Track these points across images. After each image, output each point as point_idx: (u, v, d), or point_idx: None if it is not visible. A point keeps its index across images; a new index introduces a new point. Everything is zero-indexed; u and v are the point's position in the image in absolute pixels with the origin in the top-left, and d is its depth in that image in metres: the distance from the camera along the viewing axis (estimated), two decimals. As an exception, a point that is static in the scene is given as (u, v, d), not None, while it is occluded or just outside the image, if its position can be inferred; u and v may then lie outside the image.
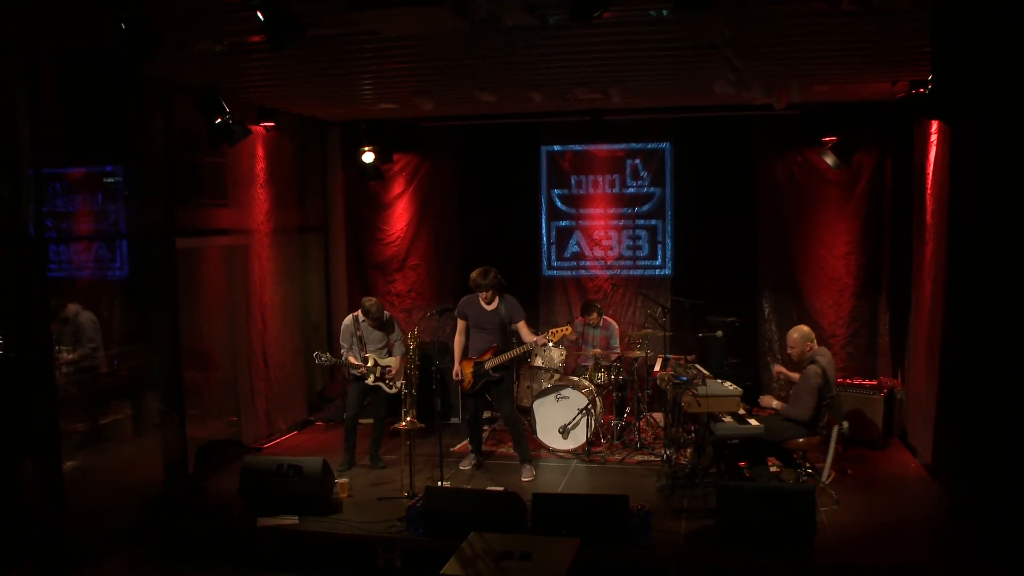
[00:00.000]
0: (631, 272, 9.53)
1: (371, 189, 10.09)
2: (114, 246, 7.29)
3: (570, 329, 7.31)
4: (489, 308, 7.33)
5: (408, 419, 6.83)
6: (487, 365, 7.25)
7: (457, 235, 10.02)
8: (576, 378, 8.16)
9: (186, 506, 6.66)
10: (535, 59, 6.47)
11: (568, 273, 9.72)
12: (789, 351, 6.51)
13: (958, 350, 6.66)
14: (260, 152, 8.56)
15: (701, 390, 6.14)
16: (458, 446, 8.41)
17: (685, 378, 6.45)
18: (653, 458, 7.70)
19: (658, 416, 8.58)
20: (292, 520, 6.28)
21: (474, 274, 7.26)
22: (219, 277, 8.43)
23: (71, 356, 6.69)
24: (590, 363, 8.48)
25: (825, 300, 9.01)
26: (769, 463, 6.62)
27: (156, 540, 6.33)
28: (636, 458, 7.76)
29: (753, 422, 6.34)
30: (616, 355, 8.44)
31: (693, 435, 7.54)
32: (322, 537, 6.10)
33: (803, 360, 6.38)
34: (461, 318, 7.48)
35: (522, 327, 7.37)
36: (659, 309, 7.89)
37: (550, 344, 7.60)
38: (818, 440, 6.39)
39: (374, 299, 7.66)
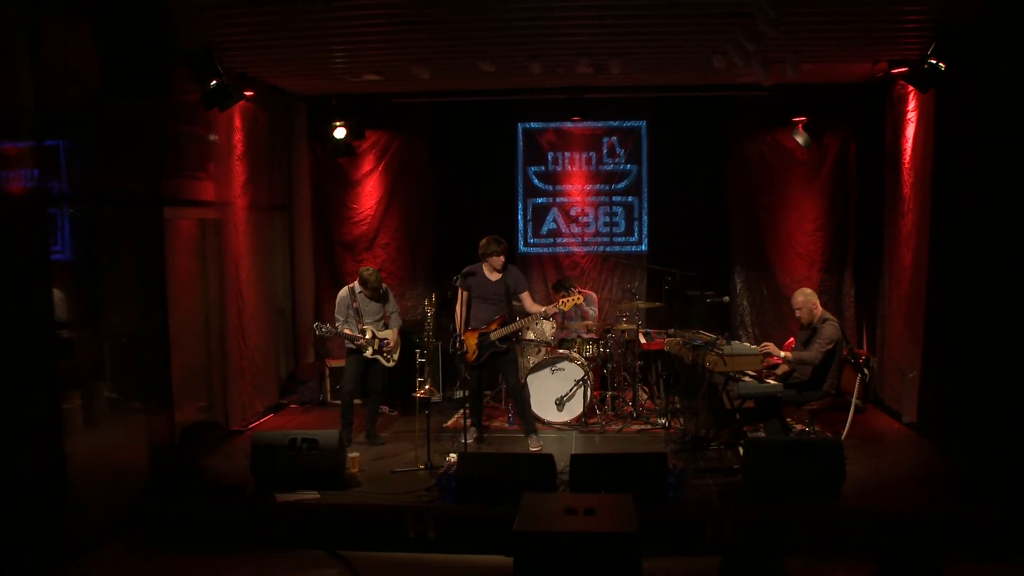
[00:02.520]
0: (608, 248, 9.64)
1: (339, 166, 9.83)
2: (55, 226, 6.86)
3: (582, 298, 7.35)
4: (493, 279, 7.27)
5: (426, 388, 6.70)
6: (493, 336, 7.19)
7: (430, 213, 9.88)
8: (567, 351, 8.19)
9: (191, 487, 6.34)
10: (546, 24, 6.49)
11: (545, 250, 9.75)
12: (797, 314, 6.74)
13: (942, 315, 7.07)
14: (238, 123, 8.20)
15: (727, 349, 6.29)
16: (449, 422, 8.32)
17: (700, 342, 6.59)
18: (650, 427, 7.82)
19: (644, 390, 8.72)
20: (313, 495, 6.05)
21: (484, 241, 7.18)
22: (191, 252, 8.03)
23: None
24: (573, 336, 8.54)
25: (794, 275, 9.37)
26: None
27: (158, 524, 5.97)
28: (633, 427, 7.86)
29: (771, 381, 6.55)
30: (591, 322, 8.54)
31: (678, 405, 7.76)
32: (349, 510, 5.91)
33: (813, 320, 6.62)
34: (463, 289, 7.37)
35: (526, 298, 7.35)
36: (668, 279, 7.93)
37: (562, 312, 7.60)
38: (829, 402, 6.67)
39: (372, 268, 7.49)
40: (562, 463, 6.03)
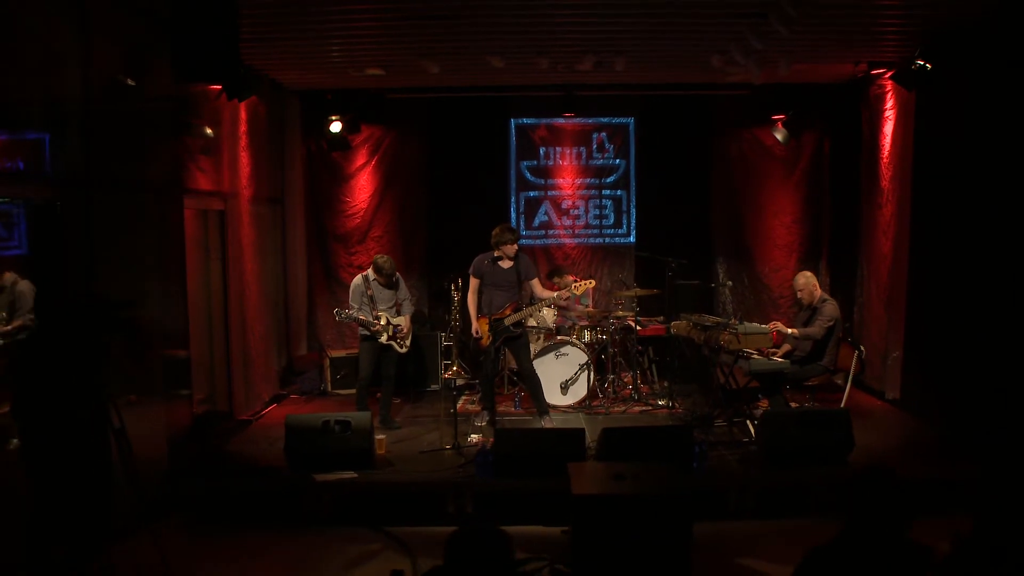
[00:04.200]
0: (598, 240, 10.02)
1: (333, 160, 9.96)
2: (11, 222, 6.91)
3: (594, 283, 7.66)
4: (505, 266, 7.51)
5: (453, 369, 6.92)
6: (507, 321, 7.44)
7: (423, 206, 10.10)
8: (566, 337, 8.50)
9: (225, 471, 6.43)
10: (560, 21, 6.80)
11: (537, 242, 10.06)
12: (798, 295, 7.22)
13: (923, 298, 7.64)
14: (243, 115, 8.27)
15: (741, 328, 6.70)
16: (456, 407, 8.51)
17: (711, 323, 7.00)
18: (651, 408, 8.19)
19: (627, 377, 9.03)
20: (351, 475, 6.22)
21: (497, 230, 7.43)
22: (192, 242, 8.05)
23: (6, 327, 6.24)
24: (567, 324, 8.86)
25: (773, 265, 9.93)
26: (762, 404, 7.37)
27: (198, 506, 6.08)
28: (636, 409, 8.22)
29: (778, 359, 6.99)
30: (591, 309, 8.91)
31: (669, 387, 8.18)
32: (390, 488, 6.11)
33: (813, 301, 7.10)
34: (476, 277, 7.60)
35: (536, 284, 7.63)
36: (670, 268, 8.28)
37: (574, 296, 7.89)
38: (827, 379, 7.15)
39: (387, 256, 7.67)
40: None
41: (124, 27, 5.89)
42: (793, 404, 7.75)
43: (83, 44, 5.41)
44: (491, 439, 6.77)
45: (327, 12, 6.57)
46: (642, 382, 8.97)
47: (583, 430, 6.21)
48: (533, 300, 7.73)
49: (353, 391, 8.81)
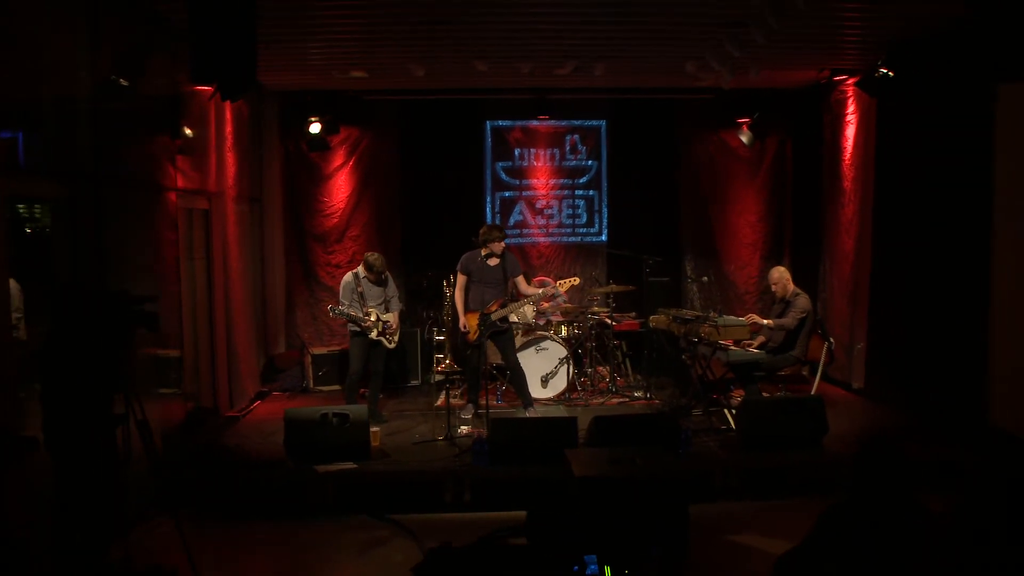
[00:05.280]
0: (571, 239, 10.34)
1: (311, 161, 10.09)
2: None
3: (578, 280, 7.95)
4: (492, 264, 7.75)
5: (447, 362, 7.13)
6: (494, 316, 7.68)
7: (400, 205, 10.28)
8: (547, 332, 8.78)
9: (227, 464, 6.54)
10: (548, 28, 7.08)
11: (512, 241, 10.28)
12: (773, 288, 7.61)
13: (885, 292, 8.12)
14: (228, 115, 8.37)
15: (720, 321, 7.07)
16: (439, 401, 8.74)
17: (691, 317, 7.36)
18: (628, 399, 8.52)
19: (603, 370, 9.35)
20: (350, 466, 6.39)
21: (484, 229, 7.68)
22: (181, 240, 8.12)
23: None
24: (543, 320, 9.14)
25: (738, 262, 10.38)
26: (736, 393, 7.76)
27: (204, 498, 6.15)
28: (613, 400, 8.54)
29: (753, 350, 7.37)
30: (569, 305, 9.23)
31: (642, 379, 8.52)
32: (391, 477, 6.30)
33: (786, 295, 7.50)
34: (464, 274, 7.82)
35: (521, 281, 7.89)
36: (649, 265, 8.63)
37: (558, 293, 8.17)
38: (799, 369, 7.56)
39: (377, 254, 7.85)
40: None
41: (125, 27, 6.00)
42: (764, 394, 8.17)
43: (93, 45, 5.51)
44: (481, 430, 7.03)
45: (318, 16, 6.74)
46: (617, 375, 9.30)
47: (575, 418, 6.48)
48: (516, 296, 8.00)
49: (336, 387, 9.03)
